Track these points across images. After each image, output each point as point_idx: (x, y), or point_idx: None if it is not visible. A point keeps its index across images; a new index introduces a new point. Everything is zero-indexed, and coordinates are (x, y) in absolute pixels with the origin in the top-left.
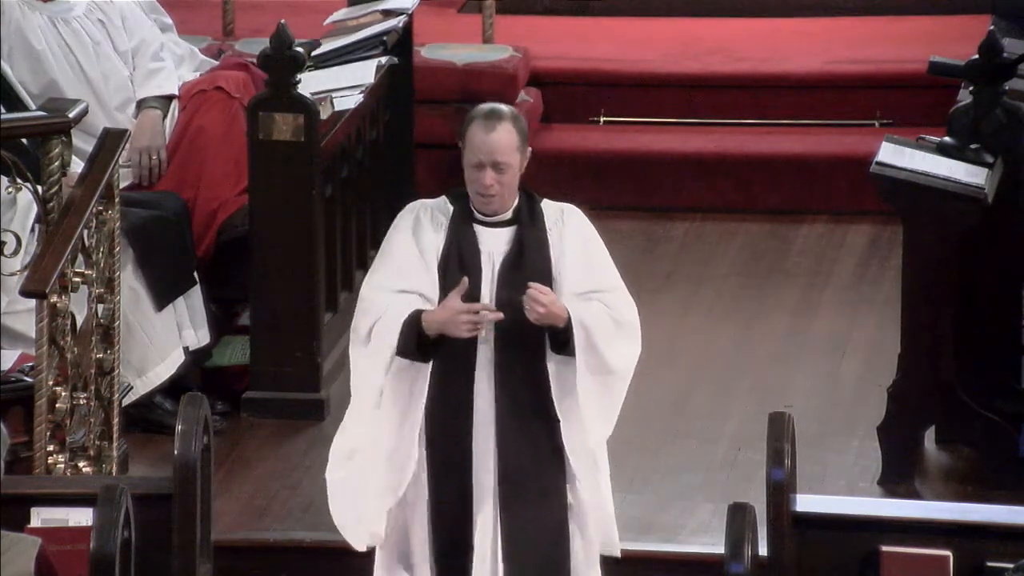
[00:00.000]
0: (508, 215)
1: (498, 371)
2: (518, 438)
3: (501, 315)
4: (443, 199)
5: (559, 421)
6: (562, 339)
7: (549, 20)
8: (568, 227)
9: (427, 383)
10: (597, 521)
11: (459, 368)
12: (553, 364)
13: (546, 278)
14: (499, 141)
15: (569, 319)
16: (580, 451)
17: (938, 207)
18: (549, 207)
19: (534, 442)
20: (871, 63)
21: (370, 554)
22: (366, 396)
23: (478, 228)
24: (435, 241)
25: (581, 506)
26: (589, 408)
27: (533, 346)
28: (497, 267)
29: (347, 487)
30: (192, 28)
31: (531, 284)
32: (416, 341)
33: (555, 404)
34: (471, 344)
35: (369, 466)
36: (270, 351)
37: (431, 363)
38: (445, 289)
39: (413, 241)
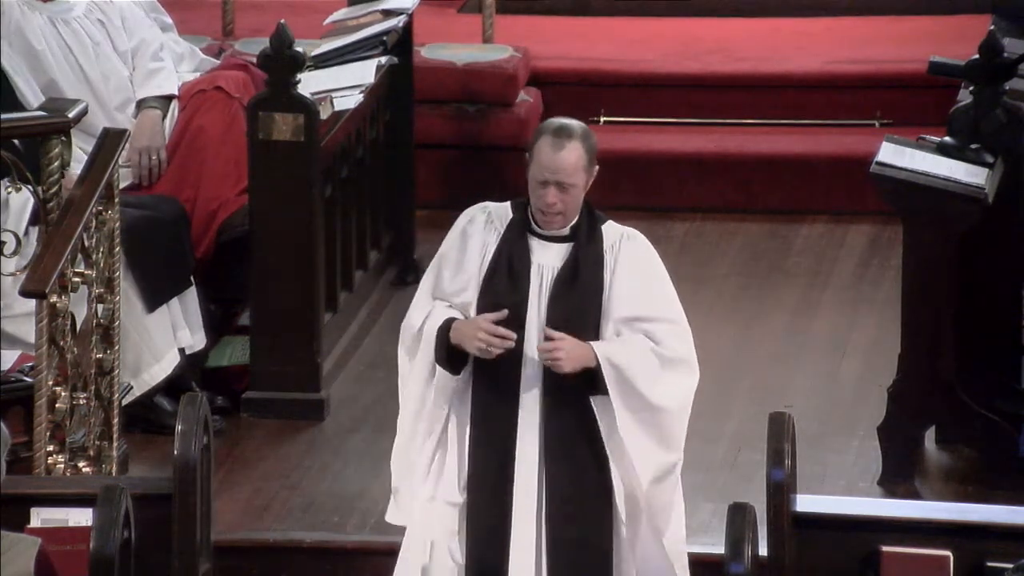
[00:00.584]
0: (566, 231)
1: (546, 394)
2: (565, 465)
3: (512, 344)
4: (507, 205)
5: (607, 457)
6: (591, 379)
7: (549, 20)
8: (625, 251)
9: (451, 396)
10: (645, 564)
11: (503, 389)
12: (597, 400)
13: (597, 299)
14: (566, 160)
15: (597, 358)
16: (625, 490)
17: (938, 207)
18: (611, 228)
19: (582, 470)
20: (871, 63)
21: (369, 554)
22: (407, 400)
23: (532, 240)
24: (484, 245)
25: (624, 544)
26: (635, 447)
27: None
28: (548, 282)
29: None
30: (192, 28)
31: (546, 331)
32: (445, 350)
33: (604, 440)
34: (515, 365)
35: (403, 456)
36: (270, 351)
37: (461, 375)
38: (488, 294)
39: (457, 248)
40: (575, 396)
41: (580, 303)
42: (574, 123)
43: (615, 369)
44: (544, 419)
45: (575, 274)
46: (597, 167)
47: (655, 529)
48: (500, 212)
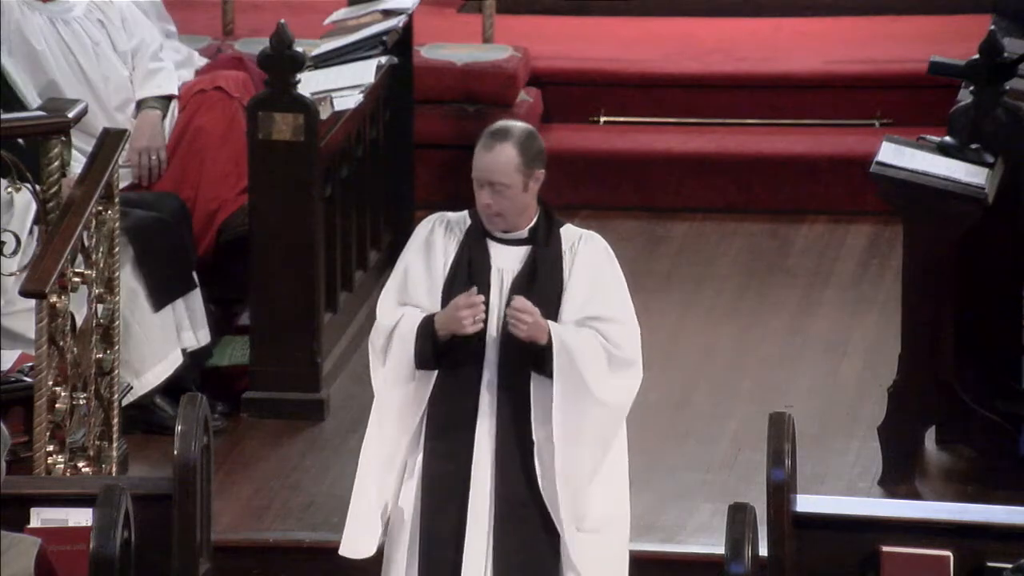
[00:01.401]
0: (523, 233)
1: (500, 392)
2: (516, 464)
3: (480, 300)
4: (465, 213)
5: (534, 444)
6: (541, 358)
7: (549, 20)
8: (581, 253)
9: (426, 399)
10: (587, 561)
11: (463, 391)
12: (535, 385)
13: (556, 300)
14: (495, 161)
15: (551, 338)
16: (557, 481)
17: (938, 207)
18: (569, 231)
19: (529, 469)
20: (871, 63)
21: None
22: (383, 409)
23: (491, 244)
24: (446, 253)
25: (568, 541)
26: (568, 437)
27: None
28: (507, 285)
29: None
30: (192, 28)
31: (515, 297)
32: (432, 345)
33: (533, 428)
34: (475, 366)
35: (367, 471)
36: (270, 351)
37: (432, 380)
38: (449, 300)
39: (422, 255)
40: (527, 400)
41: (538, 304)
42: (516, 125)
43: (567, 352)
44: (498, 421)
45: (533, 276)
46: (542, 170)
47: (590, 529)
48: (458, 220)
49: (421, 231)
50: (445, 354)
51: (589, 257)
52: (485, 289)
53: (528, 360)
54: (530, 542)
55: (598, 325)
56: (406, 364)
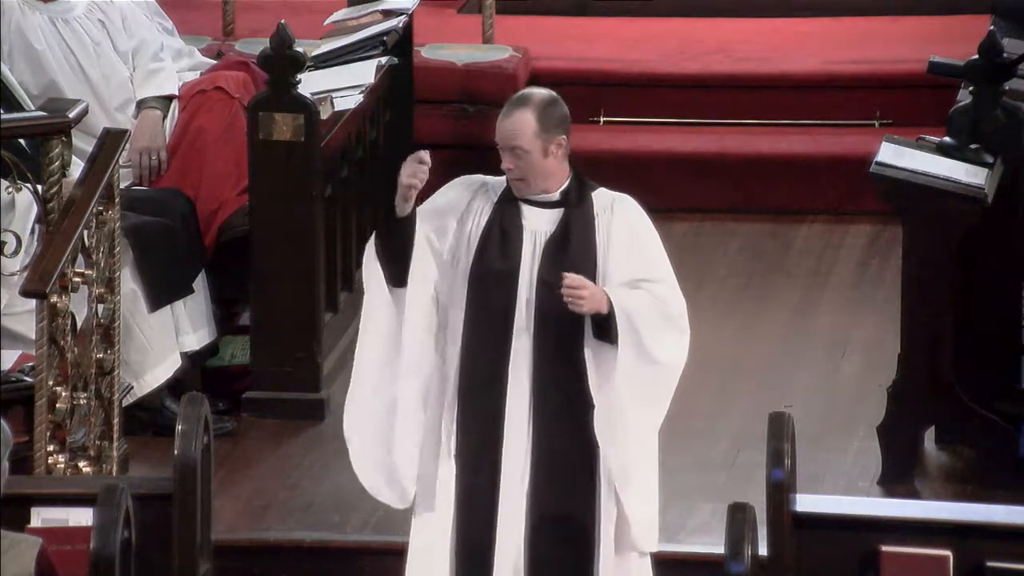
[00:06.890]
0: (555, 196)
1: (537, 355)
2: (554, 424)
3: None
4: (503, 178)
5: (594, 407)
6: (604, 326)
7: (549, 20)
8: (617, 215)
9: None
10: (629, 513)
11: (491, 358)
12: (591, 350)
13: (590, 262)
14: (511, 127)
15: (611, 305)
16: (614, 441)
17: (938, 207)
18: (602, 195)
19: (571, 429)
20: (871, 63)
21: (369, 554)
22: (366, 336)
23: (524, 207)
24: (479, 214)
25: (612, 496)
26: (630, 396)
27: (574, 330)
28: (540, 246)
29: (370, 446)
30: (192, 28)
31: (566, 275)
32: (392, 224)
33: (592, 391)
34: (506, 327)
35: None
36: (270, 351)
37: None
38: (481, 261)
39: (446, 195)
40: (566, 360)
41: (572, 266)
42: (538, 92)
43: (627, 316)
44: (534, 386)
45: (566, 237)
46: (564, 137)
47: (627, 495)
48: (495, 183)
49: (458, 182)
50: (404, 239)
51: (625, 219)
52: (517, 248)
53: (568, 324)
54: (569, 496)
55: (648, 286)
56: (378, 283)
